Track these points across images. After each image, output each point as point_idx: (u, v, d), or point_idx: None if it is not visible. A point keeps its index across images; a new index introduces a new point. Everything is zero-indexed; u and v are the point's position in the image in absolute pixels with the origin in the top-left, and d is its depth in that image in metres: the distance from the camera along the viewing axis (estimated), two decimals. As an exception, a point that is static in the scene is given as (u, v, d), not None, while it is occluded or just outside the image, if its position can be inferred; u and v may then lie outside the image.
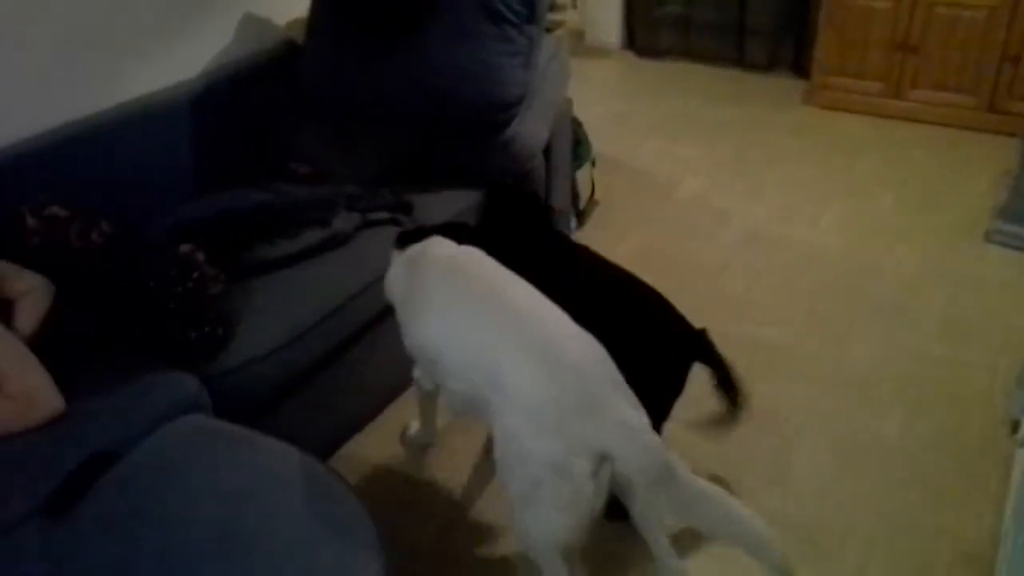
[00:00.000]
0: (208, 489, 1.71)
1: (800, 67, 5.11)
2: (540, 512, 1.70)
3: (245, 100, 2.96)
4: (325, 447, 2.44)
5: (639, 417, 1.67)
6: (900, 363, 2.83)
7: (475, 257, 2.01)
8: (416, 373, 2.29)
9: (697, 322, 3.04)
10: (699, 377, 2.22)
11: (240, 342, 2.14)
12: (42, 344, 1.97)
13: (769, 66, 5.25)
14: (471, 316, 1.85)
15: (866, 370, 2.80)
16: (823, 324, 3.03)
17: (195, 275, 2.11)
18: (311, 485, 1.74)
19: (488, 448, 2.51)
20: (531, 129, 2.89)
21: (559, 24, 4.95)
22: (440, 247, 2.08)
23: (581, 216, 3.68)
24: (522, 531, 1.76)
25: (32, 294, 2.02)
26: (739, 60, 5.34)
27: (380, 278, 2.26)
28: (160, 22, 2.80)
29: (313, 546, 1.58)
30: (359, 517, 1.65)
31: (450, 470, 2.48)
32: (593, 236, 3.62)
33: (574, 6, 5.72)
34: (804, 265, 3.37)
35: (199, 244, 2.26)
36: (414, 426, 2.54)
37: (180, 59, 2.87)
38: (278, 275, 2.39)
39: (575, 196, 3.58)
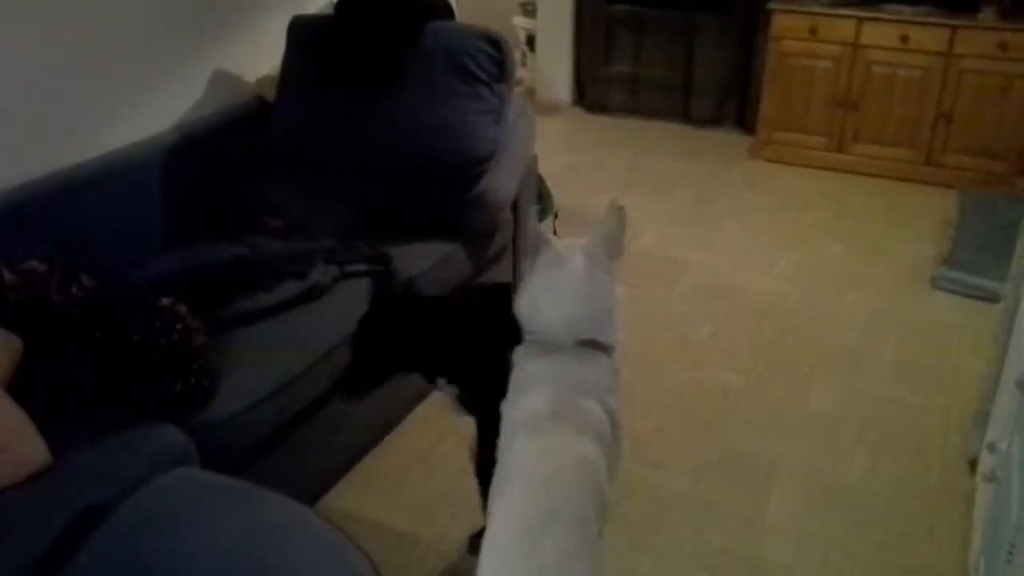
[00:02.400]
0: (204, 543, 1.69)
1: (744, 123, 5.31)
2: None
3: (217, 154, 2.98)
4: (308, 497, 2.43)
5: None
6: (860, 407, 2.93)
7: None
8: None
9: (665, 368, 3.13)
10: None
11: (224, 394, 2.13)
12: (17, 399, 1.94)
13: (715, 122, 5.45)
14: None
15: (828, 414, 2.90)
16: (784, 370, 3.13)
17: (179, 327, 2.11)
18: (310, 537, 1.73)
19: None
20: (501, 183, 2.95)
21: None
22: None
23: (544, 267, 3.74)
24: None
25: None
26: (685, 116, 5.54)
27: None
28: (133, 76, 2.81)
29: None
30: (362, 568, 1.66)
31: (441, 525, 2.49)
32: (556, 287, 3.68)
33: (524, 64, 5.87)
34: (762, 313, 3.48)
35: (179, 297, 2.26)
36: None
37: (153, 113, 2.88)
38: (258, 327, 2.39)
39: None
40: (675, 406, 2.94)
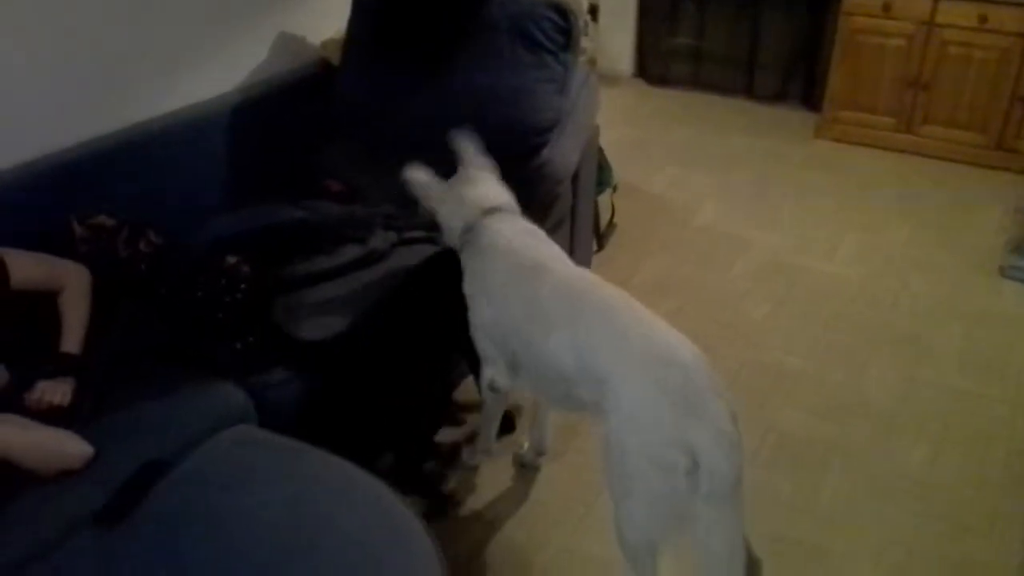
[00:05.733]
0: (263, 499, 1.72)
1: (810, 100, 5.18)
2: (633, 507, 1.76)
3: (280, 116, 2.99)
4: (365, 456, 2.45)
5: (735, 430, 1.72)
6: (921, 396, 2.86)
7: (585, 273, 2.08)
8: (490, 375, 2.23)
9: (721, 349, 3.09)
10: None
11: (284, 353, 2.15)
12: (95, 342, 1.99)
13: (779, 98, 5.32)
14: (591, 327, 1.89)
15: (888, 402, 2.84)
16: (844, 355, 3.07)
17: (243, 287, 2.13)
18: (362, 496, 1.75)
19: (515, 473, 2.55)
20: (563, 154, 2.92)
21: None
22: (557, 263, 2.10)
23: (601, 240, 3.72)
24: (617, 529, 1.81)
25: (75, 283, 2.05)
26: (748, 91, 5.41)
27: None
28: (198, 36, 2.83)
29: (372, 559, 1.60)
30: (416, 531, 1.67)
31: (479, 493, 2.50)
32: (613, 260, 3.66)
33: (586, 34, 5.78)
34: (823, 296, 3.41)
35: (243, 257, 2.28)
36: (467, 449, 2.54)
37: (217, 73, 2.90)
38: (318, 289, 2.40)
39: (596, 220, 3.62)
40: (729, 387, 2.88)
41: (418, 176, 2.28)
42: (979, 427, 2.73)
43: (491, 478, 2.53)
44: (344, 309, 2.34)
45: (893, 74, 4.52)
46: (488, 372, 2.25)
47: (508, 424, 2.62)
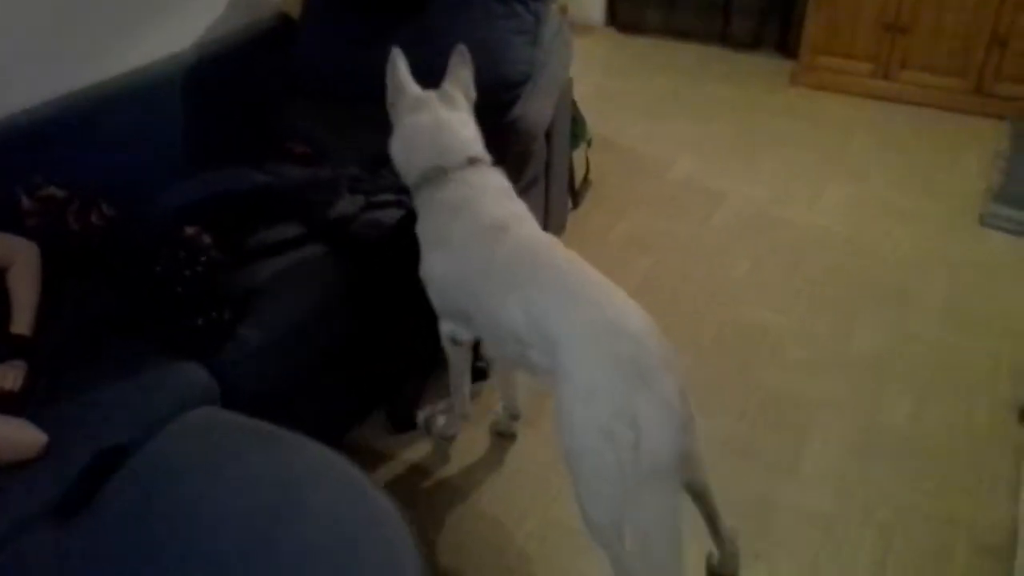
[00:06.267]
0: (229, 484, 1.64)
1: (786, 47, 5.07)
2: (589, 485, 1.69)
3: (238, 75, 2.86)
4: (338, 433, 2.38)
5: (682, 407, 1.65)
6: (905, 349, 2.81)
7: (550, 239, 1.98)
8: (448, 328, 2.17)
9: (701, 306, 3.03)
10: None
11: (247, 330, 2.05)
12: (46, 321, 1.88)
13: (755, 45, 5.21)
14: (544, 290, 1.82)
15: (872, 356, 2.79)
16: (827, 309, 3.01)
17: (203, 259, 2.02)
18: (333, 482, 1.67)
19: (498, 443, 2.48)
20: (536, 109, 2.81)
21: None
22: (518, 223, 2.01)
23: (576, 197, 3.62)
24: (580, 510, 1.74)
25: (23, 259, 1.94)
26: (723, 38, 5.29)
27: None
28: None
29: (347, 542, 1.52)
30: (390, 512, 1.59)
31: (453, 463, 2.43)
32: (589, 218, 3.57)
33: (556, -19, 5.63)
34: (804, 248, 3.35)
35: (203, 226, 2.17)
36: (440, 417, 2.46)
37: (170, 31, 2.75)
38: (282, 258, 2.30)
39: (571, 177, 3.52)
40: (711, 347, 2.84)
41: (400, 69, 2.18)
42: (963, 381, 2.68)
43: (467, 448, 2.46)
44: (311, 280, 2.24)
45: (871, 17, 4.42)
46: (446, 326, 2.18)
47: (480, 373, 2.55)
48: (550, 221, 3.24)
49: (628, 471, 1.62)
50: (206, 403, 1.88)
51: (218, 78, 2.79)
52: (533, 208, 2.96)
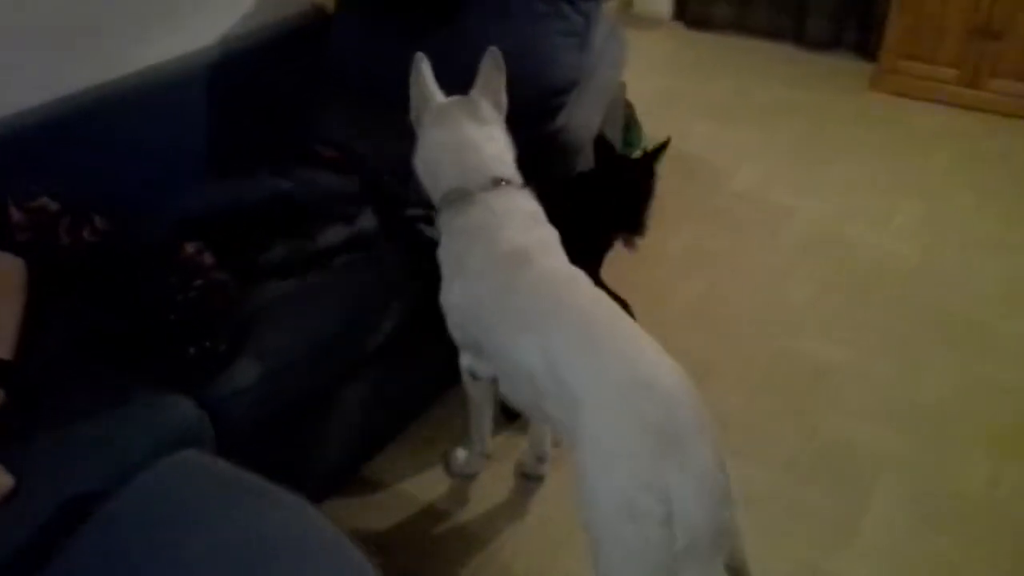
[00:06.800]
0: (209, 544, 1.46)
1: (866, 48, 4.72)
2: (613, 564, 1.48)
3: (266, 73, 2.68)
4: (344, 470, 2.20)
5: (720, 477, 1.45)
6: (984, 398, 2.52)
7: (575, 274, 1.78)
8: (467, 361, 1.99)
9: (754, 336, 2.77)
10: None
11: (248, 360, 1.87)
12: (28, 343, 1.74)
13: (832, 45, 4.87)
14: (565, 334, 1.63)
15: (945, 406, 2.50)
16: (897, 347, 2.73)
17: (198, 282, 1.85)
18: (313, 549, 1.47)
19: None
20: (583, 118, 2.58)
21: (608, -8, 4.61)
22: (543, 254, 1.80)
23: (629, 207, 3.37)
24: None
25: (7, 276, 1.79)
26: (799, 37, 4.96)
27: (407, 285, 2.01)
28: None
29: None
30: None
31: (473, 506, 2.23)
32: (641, 231, 3.32)
33: (622, -28, 5.36)
34: (875, 275, 3.06)
35: (207, 243, 2.00)
36: (461, 453, 2.27)
37: (193, 26, 2.58)
38: (295, 278, 2.12)
39: (623, 186, 3.28)
40: (761, 384, 2.59)
41: (424, 75, 2.00)
42: (1050, 438, 2.39)
43: (488, 489, 2.26)
44: (325, 303, 2.06)
45: (959, 20, 4.06)
46: (465, 359, 1.99)
47: (510, 412, 2.33)
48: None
49: (658, 552, 1.42)
50: (193, 442, 1.70)
51: (244, 77, 2.62)
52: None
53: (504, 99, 2.02)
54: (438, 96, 1.99)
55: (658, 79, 4.56)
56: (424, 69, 1.99)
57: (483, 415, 2.13)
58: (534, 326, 1.66)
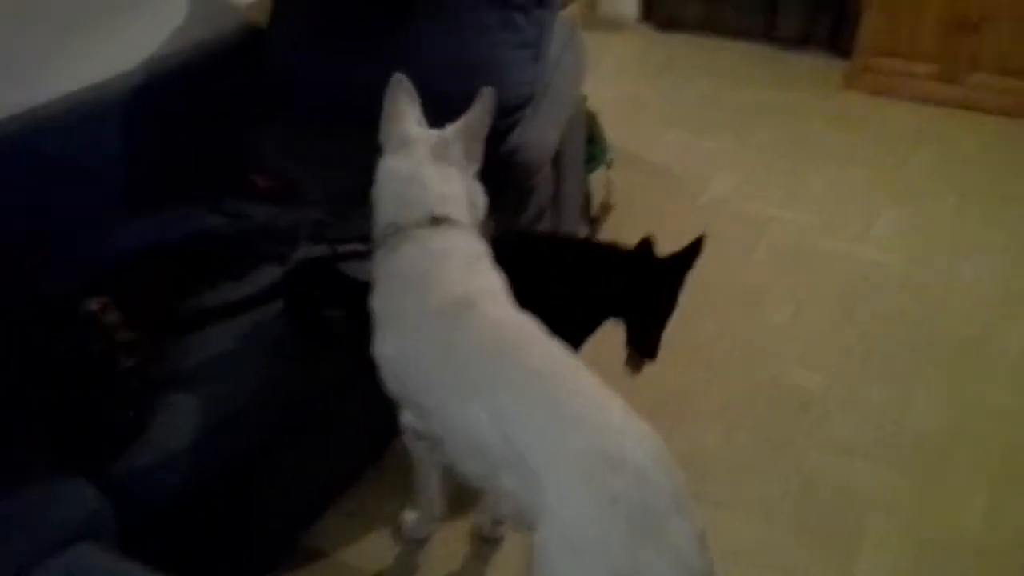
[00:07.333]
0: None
1: (838, 44, 4.55)
2: None
3: (195, 97, 2.46)
4: (277, 544, 1.99)
5: (702, 560, 1.28)
6: (978, 425, 2.35)
7: (525, 324, 1.55)
8: (408, 419, 1.77)
9: (733, 364, 2.60)
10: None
11: (160, 431, 1.66)
12: None
13: (804, 42, 4.70)
14: (519, 398, 1.42)
15: (938, 434, 2.33)
16: (882, 370, 2.55)
17: (100, 347, 1.64)
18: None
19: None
20: (539, 136, 2.39)
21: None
22: (488, 302, 1.59)
23: (594, 226, 3.18)
24: None
25: None
26: (770, 35, 4.79)
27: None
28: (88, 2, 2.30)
29: None
30: None
31: (437, 572, 2.02)
32: (609, 249, 3.13)
33: (586, -28, 5.17)
34: (857, 289, 2.88)
35: (118, 292, 1.79)
36: (409, 516, 2.06)
37: (112, 49, 2.36)
38: (220, 328, 1.91)
39: (587, 204, 3.09)
40: (740, 417, 2.40)
41: (399, 99, 1.78)
42: (1051, 467, 2.22)
43: (441, 555, 2.04)
44: (250, 359, 1.86)
45: (937, 14, 3.92)
46: (406, 416, 1.77)
47: None
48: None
49: None
50: (91, 534, 1.49)
51: (170, 101, 2.40)
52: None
53: (480, 149, 1.78)
54: (410, 124, 1.77)
55: (625, 84, 4.38)
56: (401, 93, 1.78)
57: (430, 476, 1.93)
58: (481, 389, 1.46)
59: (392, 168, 1.76)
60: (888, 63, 4.13)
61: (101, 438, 1.59)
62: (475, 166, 1.79)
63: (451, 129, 1.76)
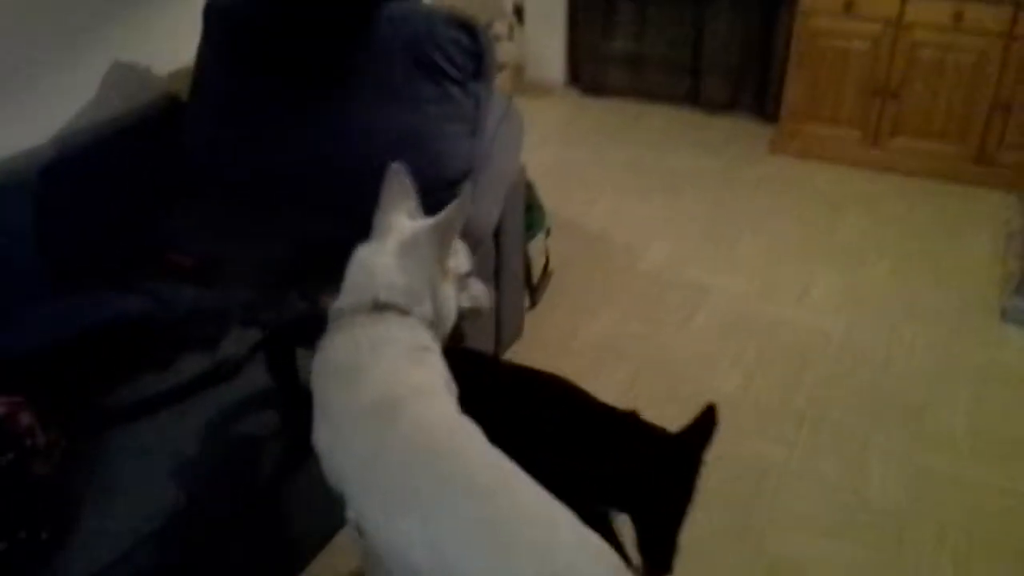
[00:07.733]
0: None
1: (763, 109, 4.62)
2: None
3: (111, 172, 2.33)
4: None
5: None
6: (934, 494, 2.31)
7: (463, 426, 1.41)
8: (352, 515, 1.54)
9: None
10: None
11: (80, 546, 1.49)
12: None
13: (729, 106, 4.76)
14: (456, 519, 1.27)
15: (895, 506, 2.28)
16: (834, 438, 2.50)
17: (10, 455, 1.47)
18: None
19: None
20: (479, 212, 2.29)
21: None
22: (422, 402, 1.45)
23: (535, 293, 3.11)
24: None
25: None
26: (695, 100, 4.85)
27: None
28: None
29: None
30: None
31: None
32: (550, 318, 3.06)
33: (511, 38, 5.17)
34: (801, 357, 2.85)
35: (31, 389, 1.63)
36: None
37: (23, 120, 2.22)
38: (143, 425, 1.75)
39: (528, 273, 3.02)
40: (702, 497, 2.31)
41: (391, 188, 1.65)
42: (1010, 533, 2.18)
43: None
44: (177, 460, 1.69)
45: (857, 81, 3.99)
46: (351, 511, 1.60)
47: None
48: (503, 331, 2.73)
49: None
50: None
51: (83, 177, 2.27)
52: (478, 326, 2.49)
53: (454, 252, 1.64)
54: (397, 215, 1.63)
55: (555, 149, 4.36)
56: (395, 183, 1.65)
57: (380, 572, 1.78)
58: (413, 506, 1.30)
59: (356, 255, 1.63)
60: (813, 128, 4.19)
61: (13, 561, 1.41)
62: (463, 268, 1.66)
63: (426, 223, 1.61)
